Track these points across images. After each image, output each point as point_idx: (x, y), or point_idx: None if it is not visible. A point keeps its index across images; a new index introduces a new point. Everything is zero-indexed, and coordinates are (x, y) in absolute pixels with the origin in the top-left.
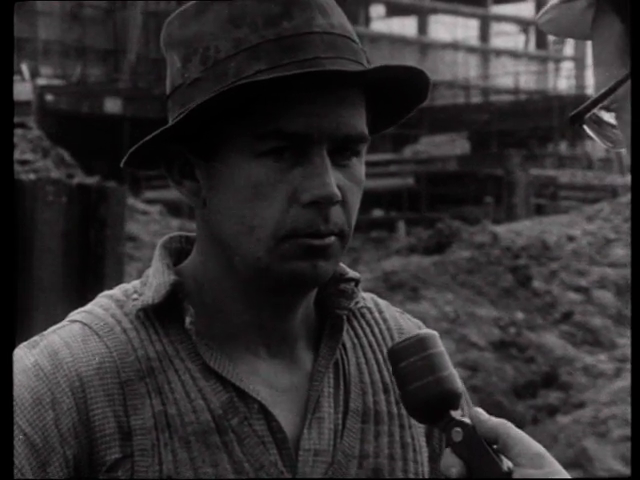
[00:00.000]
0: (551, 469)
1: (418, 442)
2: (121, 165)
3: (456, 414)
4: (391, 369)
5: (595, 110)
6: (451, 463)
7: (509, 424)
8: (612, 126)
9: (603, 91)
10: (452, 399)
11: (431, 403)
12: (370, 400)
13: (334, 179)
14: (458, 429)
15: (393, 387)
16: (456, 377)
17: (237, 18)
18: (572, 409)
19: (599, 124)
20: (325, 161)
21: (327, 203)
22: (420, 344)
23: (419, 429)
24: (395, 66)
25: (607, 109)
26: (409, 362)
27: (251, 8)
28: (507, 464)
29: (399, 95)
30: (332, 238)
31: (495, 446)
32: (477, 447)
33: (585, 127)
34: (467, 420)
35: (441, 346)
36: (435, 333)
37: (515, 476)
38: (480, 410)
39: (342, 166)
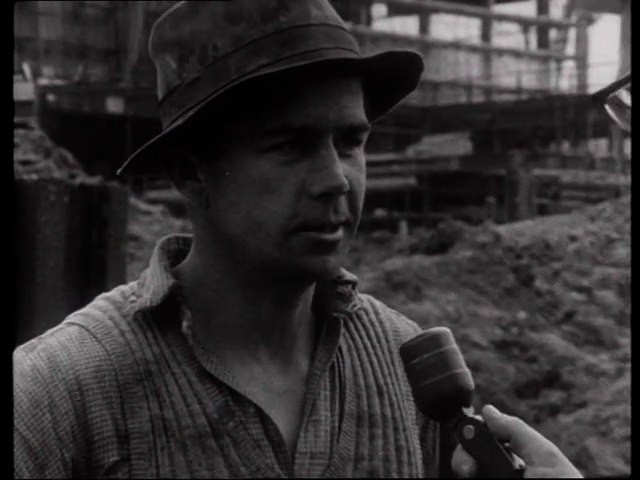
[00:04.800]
0: (563, 468)
1: (412, 445)
2: (117, 173)
3: (468, 411)
4: (403, 366)
5: (617, 92)
6: (462, 460)
7: (521, 422)
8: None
9: (629, 73)
10: (465, 396)
11: (444, 400)
12: (364, 403)
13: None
14: (470, 426)
15: (387, 390)
16: (469, 375)
17: (233, 15)
18: (574, 409)
19: (620, 105)
20: (332, 152)
21: (338, 193)
22: (433, 341)
23: (413, 432)
24: (399, 52)
25: (630, 90)
26: (422, 359)
27: (247, 4)
28: (519, 462)
29: (393, 84)
30: (341, 231)
31: (507, 444)
32: (489, 445)
33: (606, 107)
34: (479, 417)
35: (454, 343)
36: (448, 330)
37: (527, 474)
38: (492, 408)
39: (347, 156)
